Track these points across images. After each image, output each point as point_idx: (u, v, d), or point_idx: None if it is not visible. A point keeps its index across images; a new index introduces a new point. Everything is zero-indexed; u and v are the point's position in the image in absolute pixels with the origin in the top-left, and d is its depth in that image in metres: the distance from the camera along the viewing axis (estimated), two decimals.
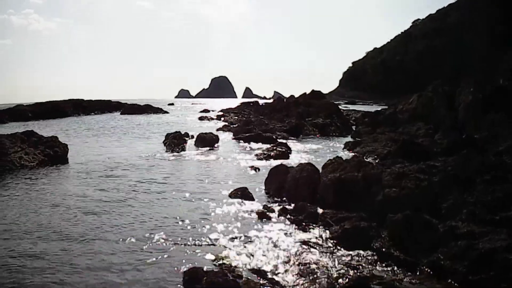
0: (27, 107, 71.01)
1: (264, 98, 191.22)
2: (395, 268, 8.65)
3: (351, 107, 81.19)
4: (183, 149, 26.15)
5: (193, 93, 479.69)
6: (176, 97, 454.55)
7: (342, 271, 8.45)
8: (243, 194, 14.04)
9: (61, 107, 73.20)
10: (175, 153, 24.95)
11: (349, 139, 31.22)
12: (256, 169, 19.29)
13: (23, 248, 10.17)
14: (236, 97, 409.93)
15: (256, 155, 23.07)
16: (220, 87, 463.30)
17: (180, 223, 11.68)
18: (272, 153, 22.40)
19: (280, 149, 23.06)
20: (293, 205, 12.73)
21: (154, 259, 9.33)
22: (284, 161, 20.53)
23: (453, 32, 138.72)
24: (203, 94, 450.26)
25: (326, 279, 8.11)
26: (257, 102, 73.88)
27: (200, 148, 26.60)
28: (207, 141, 27.95)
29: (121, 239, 10.50)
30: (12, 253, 9.89)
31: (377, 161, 19.40)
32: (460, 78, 31.09)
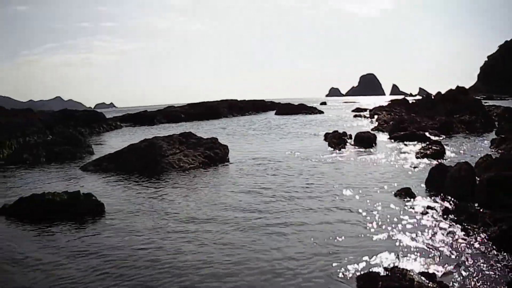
0: (179, 108, 70.76)
1: (410, 95, 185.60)
2: None
3: (490, 102, 77.27)
4: (343, 148, 26.06)
5: (343, 91, 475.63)
6: (327, 95, 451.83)
7: (503, 274, 8.22)
8: (406, 193, 13.90)
9: (216, 107, 71.84)
10: (335, 153, 24.81)
11: (493, 135, 29.70)
12: (414, 167, 19.04)
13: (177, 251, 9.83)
14: (384, 94, 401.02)
15: (413, 153, 22.73)
16: (368, 84, 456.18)
17: (345, 223, 11.55)
18: (428, 152, 21.87)
19: (435, 148, 22.48)
20: (453, 204, 12.55)
21: (323, 262, 8.97)
22: (440, 159, 20.41)
23: None
24: (352, 92, 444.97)
25: (487, 283, 7.91)
26: (405, 99, 72.22)
27: (359, 147, 26.33)
28: (365, 140, 27.66)
29: (285, 242, 10.19)
30: (168, 254, 9.63)
31: None
32: None
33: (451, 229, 10.74)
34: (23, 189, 17.50)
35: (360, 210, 12.69)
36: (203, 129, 45.04)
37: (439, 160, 19.78)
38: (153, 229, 11.49)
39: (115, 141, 37.20)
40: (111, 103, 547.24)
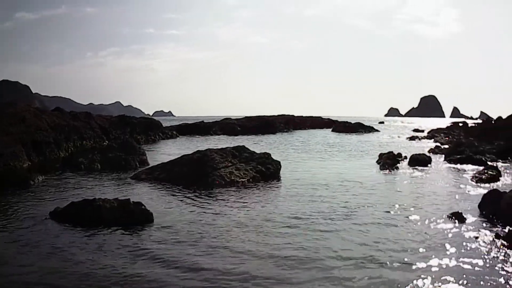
0: (236, 120, 71.58)
1: (471, 118, 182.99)
2: None
3: None
4: (397, 169, 25.86)
5: (403, 112, 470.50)
6: (385, 115, 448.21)
7: None
8: (457, 218, 13.65)
9: (272, 122, 72.30)
10: (388, 174, 24.71)
11: None
12: (468, 192, 18.69)
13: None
14: (444, 116, 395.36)
15: (468, 177, 22.34)
16: (428, 106, 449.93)
17: (390, 246, 11.34)
18: (483, 176, 21.40)
19: (491, 172, 21.97)
20: (506, 231, 12.06)
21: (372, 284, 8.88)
22: (495, 184, 20.07)
23: None
24: (412, 113, 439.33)
25: None
26: (465, 122, 71.32)
27: (413, 169, 26.00)
28: (419, 162, 27.47)
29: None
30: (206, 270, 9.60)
31: None
32: None
33: (501, 256, 10.50)
34: (75, 193, 18.21)
35: (407, 233, 12.56)
36: (258, 143, 45.61)
37: (494, 185, 19.41)
38: (195, 245, 11.40)
39: (169, 150, 38.32)
40: (170, 112, 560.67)
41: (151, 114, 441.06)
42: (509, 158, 31.67)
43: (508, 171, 25.20)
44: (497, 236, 11.84)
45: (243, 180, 21.11)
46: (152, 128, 52.73)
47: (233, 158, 23.17)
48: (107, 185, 20.62)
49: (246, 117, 78.17)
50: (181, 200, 17.21)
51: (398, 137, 61.06)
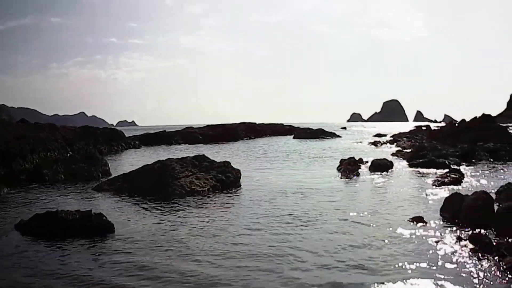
0: (197, 129, 72.49)
1: (435, 121, 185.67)
2: None
3: None
4: (358, 175, 25.83)
5: (365, 117, 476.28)
6: (348, 120, 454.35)
7: None
8: (419, 222, 13.71)
9: (234, 130, 73.68)
10: (349, 179, 24.74)
11: None
12: (430, 195, 18.73)
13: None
14: (407, 120, 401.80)
15: (430, 181, 22.43)
16: (391, 110, 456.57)
17: (354, 254, 11.19)
18: (446, 180, 21.58)
19: (453, 176, 22.20)
20: (468, 233, 12.17)
21: None
22: (458, 187, 20.21)
23: None
24: (375, 118, 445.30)
25: None
26: (428, 126, 72.19)
27: (374, 174, 26.16)
28: (381, 167, 27.58)
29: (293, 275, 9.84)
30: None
31: None
32: None
33: (463, 258, 10.52)
34: (39, 205, 18.56)
35: (367, 240, 12.44)
36: (219, 152, 46.08)
37: (457, 188, 19.52)
38: (153, 255, 11.49)
39: (132, 160, 38.89)
40: (133, 121, 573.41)
41: (114, 124, 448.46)
42: (473, 160, 32.05)
43: (471, 173, 25.49)
44: (459, 238, 11.88)
45: (203, 189, 21.18)
46: (115, 138, 53.92)
47: (193, 167, 23.48)
48: (70, 197, 20.92)
49: (208, 125, 78.97)
50: (141, 210, 17.40)
51: (360, 142, 61.71)
